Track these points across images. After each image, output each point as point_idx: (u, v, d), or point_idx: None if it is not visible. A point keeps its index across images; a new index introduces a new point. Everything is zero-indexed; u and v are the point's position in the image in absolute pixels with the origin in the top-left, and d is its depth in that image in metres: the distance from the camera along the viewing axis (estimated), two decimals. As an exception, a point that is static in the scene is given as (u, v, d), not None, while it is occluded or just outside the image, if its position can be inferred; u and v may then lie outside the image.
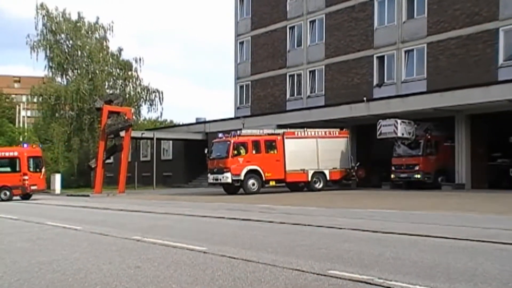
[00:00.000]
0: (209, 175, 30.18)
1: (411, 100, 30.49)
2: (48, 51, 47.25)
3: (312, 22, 41.19)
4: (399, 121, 29.22)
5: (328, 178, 30.80)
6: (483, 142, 30.09)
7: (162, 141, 48.23)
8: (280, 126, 38.30)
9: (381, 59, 36.35)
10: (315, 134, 31.11)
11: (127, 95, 47.36)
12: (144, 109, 52.36)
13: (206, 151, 31.38)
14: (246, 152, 29.04)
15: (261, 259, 7.57)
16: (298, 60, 42.08)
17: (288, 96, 43.00)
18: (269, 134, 30.61)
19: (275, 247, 8.88)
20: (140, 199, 27.44)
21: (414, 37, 34.16)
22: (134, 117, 43.85)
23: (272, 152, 29.84)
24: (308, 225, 12.32)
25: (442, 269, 6.67)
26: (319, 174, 30.62)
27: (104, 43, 48.98)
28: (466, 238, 9.29)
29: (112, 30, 49.23)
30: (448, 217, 13.90)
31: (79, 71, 48.21)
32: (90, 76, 47.44)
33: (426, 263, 7.14)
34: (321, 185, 30.47)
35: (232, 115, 47.00)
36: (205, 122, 47.51)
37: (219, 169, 29.07)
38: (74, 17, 48.49)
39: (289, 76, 42.96)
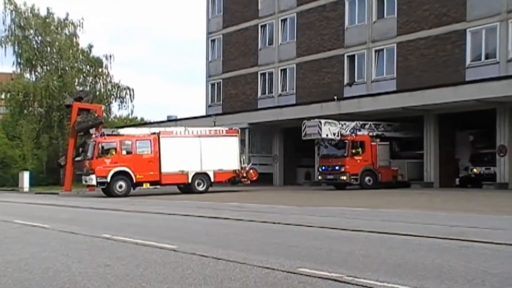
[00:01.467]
0: (83, 176, 29.36)
1: (381, 99, 30.80)
2: (16, 47, 46.62)
3: (284, 20, 41.31)
4: (323, 121, 28.83)
5: (212, 179, 29.12)
6: (450, 141, 30.59)
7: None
8: (251, 124, 38.47)
9: (351, 58, 36.63)
10: (198, 133, 29.43)
11: (98, 92, 46.96)
12: (114, 106, 52.13)
13: (80, 151, 30.30)
14: (115, 152, 27.53)
15: (232, 257, 7.59)
16: (269, 58, 42.15)
17: (259, 94, 43.06)
18: (146, 134, 29.04)
19: (246, 245, 8.90)
20: (110, 197, 27.20)
21: (384, 37, 34.49)
22: (104, 114, 43.45)
23: (145, 153, 28.08)
24: (278, 223, 12.36)
25: (410, 266, 6.76)
26: (202, 175, 28.91)
27: (74, 40, 48.47)
28: (434, 236, 9.43)
29: (82, 27, 48.78)
30: (416, 215, 14.09)
31: (48, 68, 47.63)
32: (59, 72, 46.89)
33: (395, 260, 7.23)
34: (204, 187, 28.78)
35: (204, 113, 46.88)
36: (176, 120, 47.25)
37: (87, 170, 28.15)
38: (43, 13, 47.93)
39: (261, 74, 43.02)
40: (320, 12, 38.40)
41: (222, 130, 30.55)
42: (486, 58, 29.96)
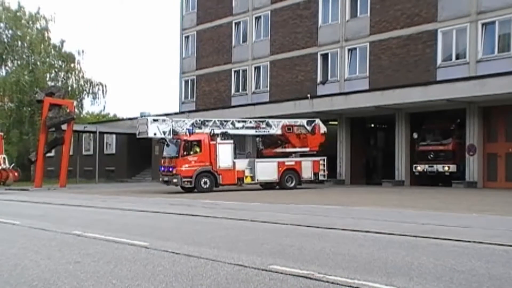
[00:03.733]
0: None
1: (353, 97, 31.00)
2: (-14, 41, 45.81)
3: (258, 18, 41.32)
4: (150, 119, 27.37)
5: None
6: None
7: (105, 135, 47.49)
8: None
9: (325, 56, 36.79)
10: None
11: (69, 88, 46.33)
12: (87, 102, 51.40)
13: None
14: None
15: (203, 254, 7.59)
16: (243, 56, 42.14)
17: (233, 91, 43.03)
18: None
19: (218, 242, 8.91)
20: (81, 194, 26.96)
21: (357, 36, 34.72)
22: (76, 110, 42.98)
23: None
24: (251, 220, 12.40)
25: (380, 264, 6.84)
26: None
27: (46, 34, 47.75)
28: (404, 234, 9.55)
29: (54, 21, 48.17)
30: (387, 213, 14.24)
31: (19, 62, 46.89)
32: (30, 67, 46.18)
33: (365, 257, 7.31)
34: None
35: (177, 110, 46.69)
36: (149, 116, 46.97)
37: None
38: (14, 7, 47.19)
39: (234, 71, 42.99)
40: (293, 10, 38.50)
41: None
42: (457, 58, 30.35)
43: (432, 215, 13.49)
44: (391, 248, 8.14)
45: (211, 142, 26.65)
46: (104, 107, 59.13)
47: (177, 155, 26.18)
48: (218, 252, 7.75)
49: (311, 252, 7.84)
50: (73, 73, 47.89)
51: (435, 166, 28.37)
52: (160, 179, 28.09)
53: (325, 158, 28.78)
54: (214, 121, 27.49)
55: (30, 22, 47.45)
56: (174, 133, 26.54)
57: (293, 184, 27.82)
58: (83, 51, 48.22)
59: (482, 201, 18.69)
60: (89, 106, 69.25)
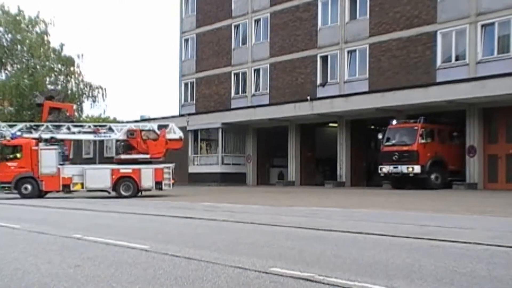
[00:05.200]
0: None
1: (353, 99, 31.05)
2: (-15, 45, 45.84)
3: (257, 21, 41.37)
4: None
5: None
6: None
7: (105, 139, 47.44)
8: (224, 124, 38.53)
9: (324, 59, 36.83)
10: None
11: (69, 91, 46.32)
12: (86, 105, 51.43)
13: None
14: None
15: (204, 257, 7.57)
16: (243, 58, 42.18)
17: (233, 94, 43.07)
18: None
19: (218, 245, 8.89)
20: (81, 197, 26.93)
21: (356, 38, 34.76)
22: (76, 113, 42.98)
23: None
24: (251, 223, 12.37)
25: (381, 266, 6.82)
26: None
27: (45, 38, 47.78)
28: (405, 236, 9.52)
29: (54, 25, 48.23)
30: (388, 215, 14.22)
31: (18, 66, 46.92)
32: (30, 71, 46.20)
33: (366, 260, 7.29)
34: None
35: (177, 113, 46.73)
36: (149, 119, 47.04)
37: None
38: (13, 11, 47.23)
39: (234, 74, 43.03)
40: (293, 12, 38.55)
41: None
42: (456, 60, 30.39)
43: (433, 216, 13.47)
44: (392, 250, 8.12)
45: (34, 148, 25.95)
46: (104, 111, 59.26)
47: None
48: (219, 255, 7.73)
49: (311, 254, 7.82)
50: (72, 76, 47.91)
51: (399, 167, 27.66)
52: None
53: (171, 165, 26.67)
54: (47, 125, 27.04)
55: (30, 26, 47.48)
56: (1, 136, 26.32)
57: (130, 192, 26.13)
58: (82, 55, 48.52)
59: (482, 202, 18.68)
60: (89, 110, 69.14)
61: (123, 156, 27.75)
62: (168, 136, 27.19)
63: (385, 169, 28.20)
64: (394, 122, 28.57)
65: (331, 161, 35.14)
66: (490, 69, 27.66)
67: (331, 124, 36.42)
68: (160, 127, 27.67)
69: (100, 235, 10.34)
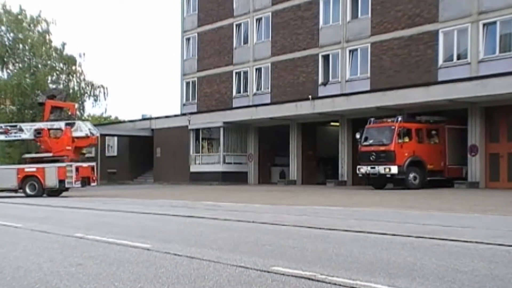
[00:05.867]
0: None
1: (355, 98, 31.03)
2: (-13, 44, 45.88)
3: (259, 20, 41.36)
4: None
5: None
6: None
7: (106, 137, 47.57)
8: (226, 123, 38.56)
9: (326, 58, 36.81)
10: None
11: (71, 90, 46.35)
12: (88, 104, 51.59)
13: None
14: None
15: (206, 256, 7.58)
16: (244, 57, 42.17)
17: (234, 93, 43.07)
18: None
19: (220, 244, 8.90)
20: (83, 196, 26.96)
21: (358, 37, 34.73)
22: (78, 112, 43.00)
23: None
24: (253, 222, 12.39)
25: (383, 265, 6.83)
26: None
27: (47, 37, 47.82)
28: (406, 234, 9.53)
29: (55, 24, 48.30)
30: (390, 213, 14.23)
31: (20, 65, 46.95)
32: (32, 70, 46.25)
33: (367, 258, 7.29)
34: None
35: (179, 112, 46.76)
36: (150, 118, 47.11)
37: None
38: (15, 10, 47.28)
39: (236, 73, 43.02)
40: (294, 11, 38.53)
41: None
42: (458, 58, 30.35)
43: (435, 215, 13.48)
44: (393, 249, 8.13)
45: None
46: (105, 110, 59.42)
47: None
48: (220, 254, 7.74)
49: (313, 253, 7.83)
50: (74, 75, 47.96)
51: (376, 167, 26.86)
52: None
53: (73, 164, 26.67)
54: None
55: (32, 25, 47.52)
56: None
57: (35, 192, 26.29)
58: (84, 54, 48.42)
59: (484, 201, 18.67)
60: (91, 109, 69.54)
61: (28, 155, 28.26)
62: (75, 134, 27.50)
63: (363, 169, 27.48)
64: (372, 121, 28.00)
65: (333, 160, 35.11)
66: (492, 68, 27.62)
67: (332, 123, 36.39)
68: (67, 125, 27.84)
69: (101, 233, 10.36)
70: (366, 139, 27.76)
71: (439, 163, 27.98)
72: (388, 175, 26.74)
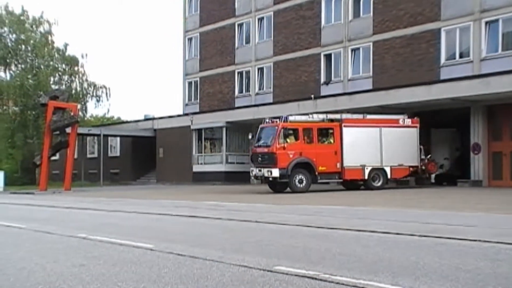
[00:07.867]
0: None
1: (357, 97, 30.99)
2: (-11, 45, 46.00)
3: (261, 19, 41.35)
4: None
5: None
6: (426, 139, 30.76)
7: (109, 138, 47.62)
8: (228, 123, 38.56)
9: (328, 57, 36.79)
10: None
11: (73, 91, 46.50)
12: (91, 105, 51.66)
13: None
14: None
15: (209, 256, 7.59)
16: (246, 57, 42.17)
17: (236, 93, 43.07)
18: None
19: (223, 243, 8.91)
20: (86, 197, 27.01)
21: (360, 36, 34.71)
22: (80, 113, 43.12)
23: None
24: (256, 221, 12.39)
25: (386, 264, 6.83)
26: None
27: (49, 38, 47.96)
28: (409, 233, 9.52)
29: (58, 25, 48.40)
30: (392, 213, 14.22)
31: (23, 66, 47.08)
32: (34, 71, 46.36)
33: (371, 258, 7.29)
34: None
35: (181, 112, 46.77)
36: (153, 118, 47.12)
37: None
38: (17, 11, 47.38)
39: (238, 73, 43.02)
40: (296, 11, 38.52)
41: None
42: (460, 57, 30.31)
43: (438, 214, 13.46)
44: (397, 248, 8.13)
45: None
46: (108, 110, 59.49)
47: None
48: (223, 254, 7.74)
49: (316, 253, 7.83)
50: (76, 76, 48.07)
51: (262, 170, 25.28)
52: None
53: None
54: None
55: (34, 26, 47.64)
56: None
57: None
58: (86, 54, 48.52)
59: (487, 200, 18.65)
60: (93, 109, 69.49)
61: None
62: None
63: (254, 172, 26.09)
64: (266, 120, 26.62)
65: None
66: (494, 66, 27.57)
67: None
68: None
69: (105, 234, 10.37)
70: (259, 139, 26.28)
71: (333, 165, 25.94)
72: (270, 179, 25.28)
